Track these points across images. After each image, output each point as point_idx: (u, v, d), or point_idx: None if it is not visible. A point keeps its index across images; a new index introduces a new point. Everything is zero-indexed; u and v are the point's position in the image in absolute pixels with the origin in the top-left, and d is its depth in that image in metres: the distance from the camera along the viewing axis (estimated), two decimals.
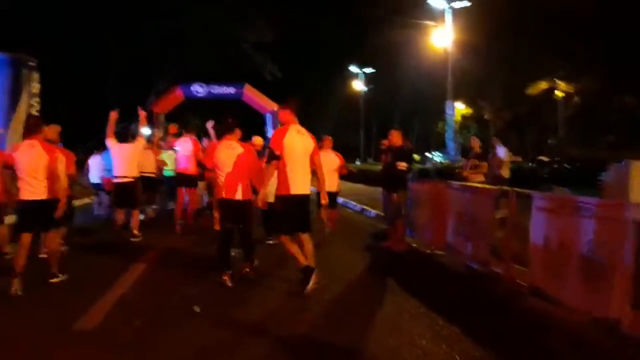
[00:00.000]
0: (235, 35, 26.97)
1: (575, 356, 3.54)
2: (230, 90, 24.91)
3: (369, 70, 38.55)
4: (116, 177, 7.74)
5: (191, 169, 8.62)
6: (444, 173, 15.56)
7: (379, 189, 8.32)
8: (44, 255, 5.73)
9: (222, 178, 5.40)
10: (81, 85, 24.75)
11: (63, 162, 5.82)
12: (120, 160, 7.68)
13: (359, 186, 17.47)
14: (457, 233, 6.18)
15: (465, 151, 15.72)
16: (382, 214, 8.83)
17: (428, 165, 26.41)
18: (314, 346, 3.75)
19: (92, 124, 14.92)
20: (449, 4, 21.48)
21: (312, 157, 5.07)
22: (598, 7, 22.22)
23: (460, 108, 32.01)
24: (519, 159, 21.28)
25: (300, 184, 4.95)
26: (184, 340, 3.79)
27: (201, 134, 9.98)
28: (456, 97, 24.68)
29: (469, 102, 34.49)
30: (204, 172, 8.51)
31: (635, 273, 3.46)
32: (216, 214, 5.52)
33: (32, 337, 3.83)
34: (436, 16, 22.45)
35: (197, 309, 4.41)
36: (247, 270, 5.53)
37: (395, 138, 7.30)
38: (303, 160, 4.98)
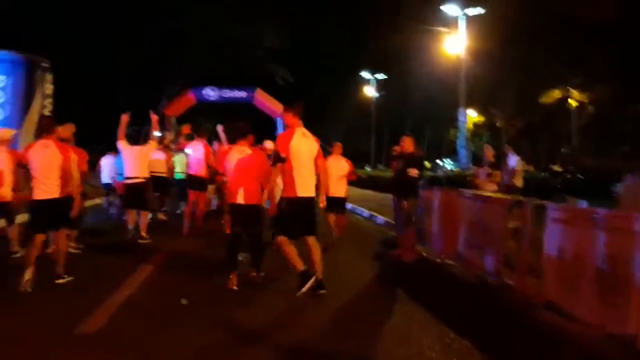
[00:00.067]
0: (248, 40, 27.11)
1: None
2: (242, 94, 25.03)
3: (380, 76, 38.50)
4: (127, 178, 7.78)
5: (202, 172, 8.67)
6: (455, 181, 15.42)
7: (388, 196, 8.25)
8: (50, 251, 5.74)
9: (233, 183, 5.39)
10: (93, 87, 25.02)
11: (75, 160, 5.86)
12: (131, 161, 7.72)
13: (368, 192, 17.38)
14: (469, 243, 6.08)
15: (476, 159, 15.59)
16: (392, 221, 8.75)
17: (439, 172, 26.26)
18: (320, 353, 3.69)
19: (104, 126, 15.03)
20: (463, 10, 21.38)
21: (316, 160, 5.11)
22: (613, 14, 21.98)
23: (472, 115, 31.80)
24: (531, 168, 21.04)
25: (307, 187, 4.99)
26: (188, 342, 3.76)
27: (212, 137, 10.01)
28: (468, 105, 24.52)
29: (481, 110, 34.25)
30: (214, 175, 8.55)
31: None
32: (227, 218, 5.52)
33: (37, 336, 3.81)
34: (449, 23, 22.36)
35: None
36: (254, 274, 5.49)
37: (407, 145, 7.24)
38: (309, 163, 5.03)
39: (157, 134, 8.45)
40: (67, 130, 6.31)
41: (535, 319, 4.36)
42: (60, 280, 5.22)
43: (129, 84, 25.80)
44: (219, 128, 7.96)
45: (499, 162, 9.76)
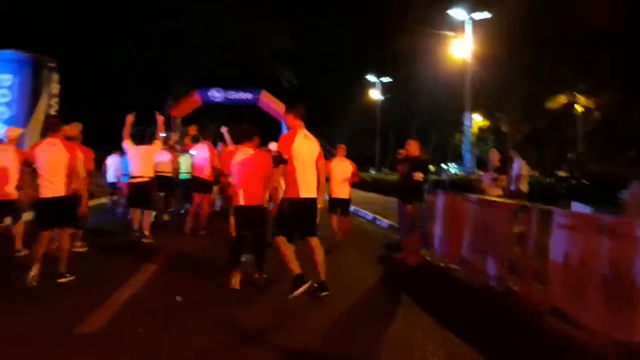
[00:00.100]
0: (254, 41, 27.17)
1: None
2: (247, 95, 25.10)
3: (386, 79, 38.49)
4: (132, 177, 7.80)
5: (207, 174, 8.71)
6: (459, 185, 15.38)
7: (393, 199, 8.23)
8: (53, 247, 5.74)
9: (238, 185, 5.39)
10: (100, 87, 25.12)
11: (81, 159, 5.88)
12: (136, 160, 7.74)
13: (372, 195, 17.35)
14: (473, 247, 6.03)
15: (481, 163, 15.53)
16: (396, 224, 8.72)
17: (443, 176, 26.19)
18: (321, 356, 3.67)
19: (110, 126, 15.08)
20: (470, 14, 21.36)
21: (317, 161, 5.14)
22: (620, 20, 21.88)
23: (477, 120, 31.71)
24: (536, 173, 20.95)
25: (309, 188, 5.02)
26: (189, 342, 3.74)
27: (217, 138, 10.03)
28: (474, 109, 24.49)
29: (486, 114, 34.16)
30: (219, 176, 8.57)
31: None
32: (232, 220, 5.52)
33: (38, 336, 3.80)
34: (456, 27, 22.34)
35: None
36: (257, 276, 5.48)
37: (413, 148, 7.22)
38: (311, 165, 5.07)
39: (162, 134, 8.48)
40: (74, 129, 6.35)
41: (540, 325, 4.31)
42: (63, 280, 5.22)
43: (135, 84, 25.89)
44: (224, 129, 7.97)
45: (505, 166, 9.70)
